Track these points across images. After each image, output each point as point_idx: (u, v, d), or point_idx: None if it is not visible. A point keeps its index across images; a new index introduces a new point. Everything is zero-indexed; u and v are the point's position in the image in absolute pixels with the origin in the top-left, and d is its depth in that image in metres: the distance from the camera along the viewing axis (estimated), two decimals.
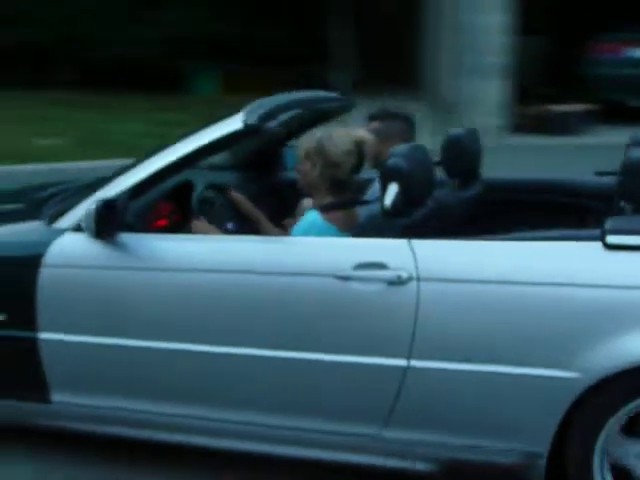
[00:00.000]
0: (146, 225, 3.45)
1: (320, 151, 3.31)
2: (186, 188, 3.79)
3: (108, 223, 3.10)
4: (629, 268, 2.71)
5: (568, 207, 3.87)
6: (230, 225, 3.77)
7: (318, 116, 3.97)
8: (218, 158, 4.16)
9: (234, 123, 3.20)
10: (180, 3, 15.31)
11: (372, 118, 3.96)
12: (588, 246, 2.77)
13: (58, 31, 15.04)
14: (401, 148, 3.19)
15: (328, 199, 3.33)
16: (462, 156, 3.54)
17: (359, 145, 3.35)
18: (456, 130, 3.61)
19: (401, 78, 15.70)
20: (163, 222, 3.64)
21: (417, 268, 2.86)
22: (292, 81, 8.89)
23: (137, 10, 15.24)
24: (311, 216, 3.24)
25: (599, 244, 2.73)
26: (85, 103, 13.74)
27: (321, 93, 4.00)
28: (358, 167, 3.37)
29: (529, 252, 2.85)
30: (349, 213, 3.37)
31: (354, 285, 2.91)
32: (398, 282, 2.86)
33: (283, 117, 3.28)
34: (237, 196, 3.94)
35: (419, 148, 3.27)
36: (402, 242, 2.94)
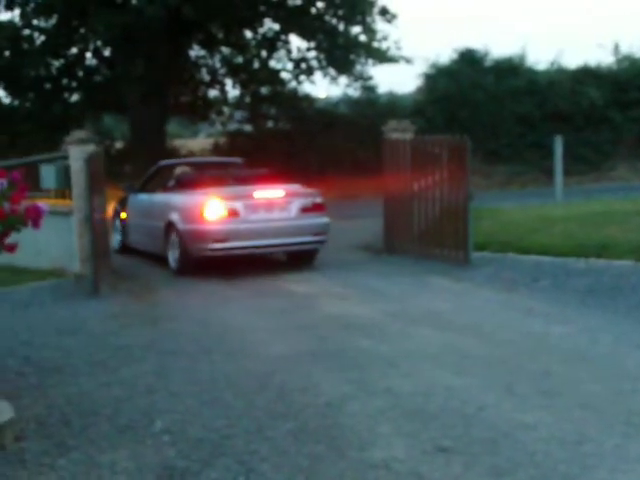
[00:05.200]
0: (155, 190, 13.29)
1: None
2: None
3: (133, 190, 13.88)
4: (166, 197, 12.59)
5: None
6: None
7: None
8: None
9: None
10: None
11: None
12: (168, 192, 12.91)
13: None
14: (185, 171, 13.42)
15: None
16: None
17: (184, 170, 13.37)
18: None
19: None
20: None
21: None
22: None
23: None
24: None
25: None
26: None
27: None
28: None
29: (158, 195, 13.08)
30: None
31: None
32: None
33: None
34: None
35: (188, 169, 13.51)
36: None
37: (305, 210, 11.77)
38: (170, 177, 13.27)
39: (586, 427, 5.11)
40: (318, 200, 11.94)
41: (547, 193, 17.89)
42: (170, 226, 11.91)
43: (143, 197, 13.40)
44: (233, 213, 11.44)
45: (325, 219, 11.93)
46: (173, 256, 11.90)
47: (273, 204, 11.64)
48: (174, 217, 11.87)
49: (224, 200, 11.48)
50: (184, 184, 12.55)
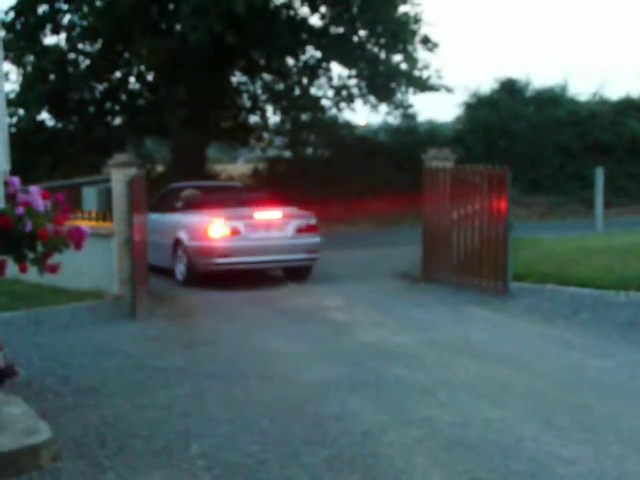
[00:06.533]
0: (165, 210, 14.20)
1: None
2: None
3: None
4: (174, 217, 13.88)
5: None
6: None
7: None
8: None
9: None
10: None
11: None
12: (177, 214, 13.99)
13: None
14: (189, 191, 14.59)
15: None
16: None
17: (192, 192, 14.38)
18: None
19: None
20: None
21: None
22: None
23: None
24: None
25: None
26: None
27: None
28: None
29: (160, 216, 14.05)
30: None
31: None
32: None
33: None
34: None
35: (195, 192, 14.43)
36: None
37: (300, 230, 13.09)
38: (179, 199, 14.39)
39: (625, 463, 5.04)
40: (312, 221, 13.28)
41: (587, 224, 17.76)
42: (178, 243, 13.27)
43: (154, 216, 13.98)
44: (235, 232, 12.77)
45: (317, 239, 13.27)
46: (179, 269, 13.26)
47: (271, 224, 12.99)
48: (182, 235, 13.21)
49: (227, 220, 12.84)
50: (191, 205, 13.90)
